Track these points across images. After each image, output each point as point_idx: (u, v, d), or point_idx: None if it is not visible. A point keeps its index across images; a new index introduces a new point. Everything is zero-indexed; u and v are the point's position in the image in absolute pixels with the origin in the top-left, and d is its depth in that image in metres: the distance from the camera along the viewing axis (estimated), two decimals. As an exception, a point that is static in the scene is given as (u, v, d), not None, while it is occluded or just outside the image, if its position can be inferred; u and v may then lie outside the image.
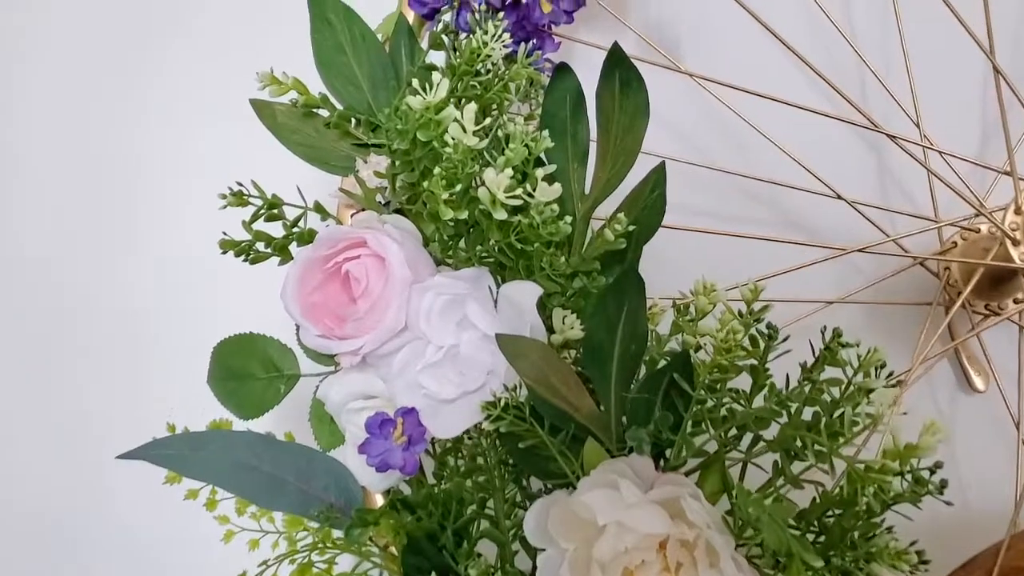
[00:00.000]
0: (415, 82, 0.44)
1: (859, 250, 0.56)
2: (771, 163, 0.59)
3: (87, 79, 0.75)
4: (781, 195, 0.63)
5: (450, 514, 0.44)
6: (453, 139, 0.43)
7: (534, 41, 0.53)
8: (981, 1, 0.53)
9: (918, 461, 0.37)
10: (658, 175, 0.46)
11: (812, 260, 0.57)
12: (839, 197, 0.57)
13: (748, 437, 0.42)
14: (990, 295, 0.61)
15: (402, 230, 0.46)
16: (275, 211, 0.49)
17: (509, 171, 0.41)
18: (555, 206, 0.43)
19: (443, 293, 0.44)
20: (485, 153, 0.44)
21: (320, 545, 0.46)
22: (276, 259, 0.49)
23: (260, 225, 0.49)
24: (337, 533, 0.46)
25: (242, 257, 0.49)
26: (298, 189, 0.49)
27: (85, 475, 0.68)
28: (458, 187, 0.43)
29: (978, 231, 0.61)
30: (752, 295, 0.41)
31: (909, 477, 0.37)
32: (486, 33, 0.48)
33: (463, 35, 0.53)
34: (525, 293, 0.44)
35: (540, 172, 0.43)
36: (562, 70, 0.48)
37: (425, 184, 0.45)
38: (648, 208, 0.46)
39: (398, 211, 0.49)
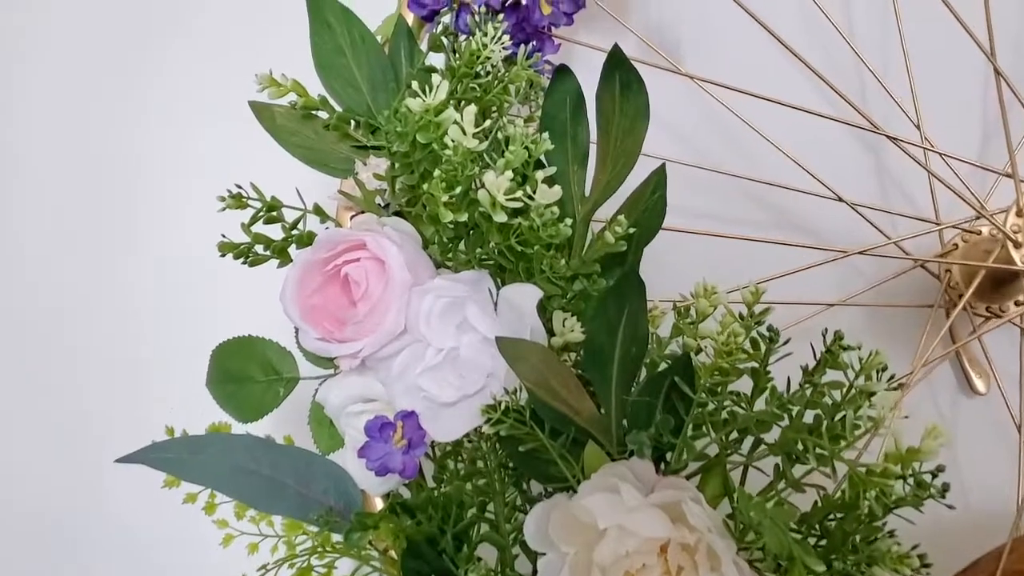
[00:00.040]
0: (415, 84, 0.44)
1: (860, 252, 0.56)
2: (771, 165, 0.58)
3: (87, 79, 0.75)
4: (781, 197, 0.63)
5: (450, 518, 0.44)
6: (453, 141, 0.43)
7: (534, 43, 0.53)
8: (981, 2, 0.53)
9: (920, 465, 0.37)
10: (659, 177, 0.46)
11: (813, 263, 0.57)
12: (840, 199, 0.57)
13: (749, 440, 0.42)
14: (991, 297, 0.61)
15: (402, 232, 0.46)
16: (274, 213, 0.49)
17: (509, 173, 0.41)
18: (555, 208, 0.43)
19: (443, 296, 0.44)
20: (485, 155, 0.44)
21: (319, 549, 0.46)
22: (275, 261, 0.49)
23: (259, 227, 0.49)
24: (336, 537, 0.46)
25: (241, 260, 0.49)
26: (297, 192, 0.49)
27: (85, 475, 0.68)
28: (458, 189, 0.43)
29: (979, 233, 0.61)
30: (753, 298, 0.41)
31: (911, 481, 0.37)
32: (486, 35, 0.47)
33: (463, 37, 0.52)
34: (525, 296, 0.44)
35: (540, 174, 0.43)
36: (562, 72, 0.48)
37: (425, 186, 0.45)
38: (649, 210, 0.46)
39: (398, 213, 0.49)
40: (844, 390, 0.39)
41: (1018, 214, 0.55)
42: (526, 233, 0.43)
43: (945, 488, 0.37)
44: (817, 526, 0.41)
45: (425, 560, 0.44)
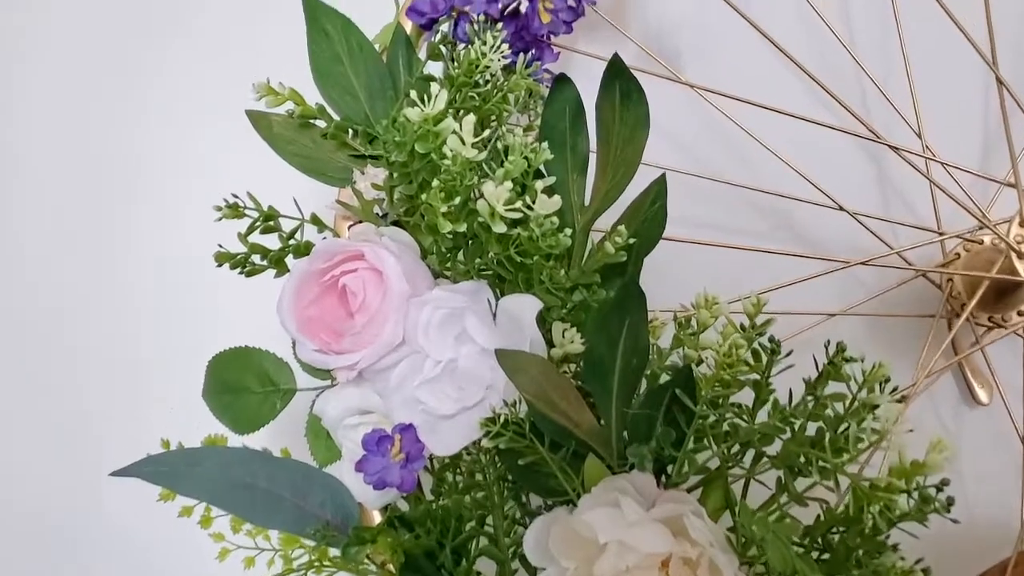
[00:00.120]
0: (413, 94, 0.43)
1: (863, 263, 0.56)
2: (772, 174, 0.58)
3: (87, 79, 0.75)
4: (783, 206, 0.63)
5: (448, 531, 0.44)
6: (451, 151, 0.42)
7: (533, 51, 0.53)
8: (983, 10, 0.53)
9: (924, 478, 0.37)
10: (659, 187, 0.45)
11: (815, 273, 0.57)
12: (840, 208, 0.57)
13: (751, 453, 0.42)
14: (994, 307, 0.60)
15: (400, 243, 0.46)
16: (271, 223, 0.48)
17: (508, 184, 0.41)
18: (555, 218, 0.42)
19: (441, 307, 0.44)
20: (484, 165, 0.44)
21: (316, 563, 0.45)
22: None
23: (256, 237, 0.48)
24: (334, 551, 0.45)
25: (238, 270, 0.48)
26: (295, 201, 0.49)
27: (85, 475, 0.68)
28: (457, 199, 0.43)
29: (981, 243, 0.61)
30: (755, 309, 0.41)
31: (915, 495, 0.37)
32: (484, 44, 0.47)
33: (461, 46, 0.52)
34: (524, 307, 0.44)
35: (539, 184, 0.43)
36: (561, 81, 0.48)
37: (423, 196, 0.44)
38: (649, 220, 0.46)
39: (396, 223, 0.48)
40: (847, 402, 0.39)
41: (1021, 224, 0.55)
42: (525, 243, 0.43)
43: (950, 502, 0.36)
44: (820, 540, 0.40)
45: (423, 574, 0.44)
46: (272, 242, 0.49)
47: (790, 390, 0.41)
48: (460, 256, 0.46)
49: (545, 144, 0.43)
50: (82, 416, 0.70)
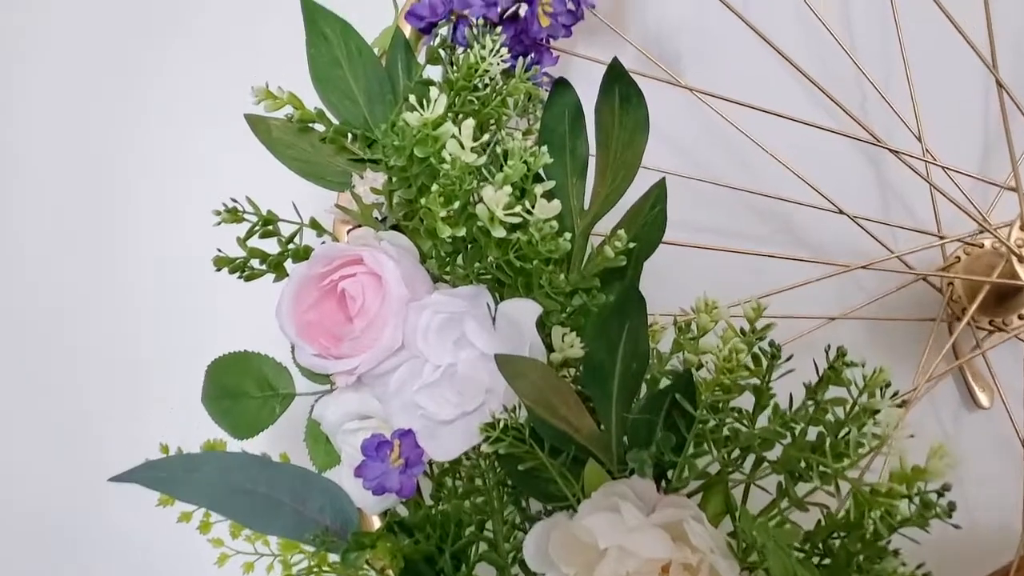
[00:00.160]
0: (412, 98, 0.43)
1: (863, 267, 0.56)
2: (772, 177, 0.58)
3: (87, 79, 0.75)
4: (782, 209, 0.63)
5: (448, 536, 0.44)
6: (451, 155, 0.42)
7: (532, 55, 0.53)
8: (983, 14, 0.53)
9: (925, 484, 0.36)
10: (659, 191, 0.45)
11: (815, 277, 0.56)
12: (841, 212, 0.57)
13: (751, 458, 0.42)
14: (995, 311, 0.60)
15: (399, 247, 0.46)
16: (270, 227, 0.48)
17: (508, 188, 0.41)
18: (554, 223, 0.42)
19: (440, 311, 0.43)
20: (483, 169, 0.44)
21: (316, 569, 0.45)
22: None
23: (255, 241, 0.48)
24: (333, 556, 0.45)
25: (237, 274, 0.48)
26: (294, 205, 0.49)
27: (85, 475, 0.68)
28: (456, 204, 0.43)
29: (982, 246, 0.61)
30: (755, 313, 0.41)
31: (916, 500, 0.36)
32: (484, 48, 0.47)
33: (460, 49, 0.52)
34: (524, 311, 0.44)
35: (539, 189, 0.42)
36: (561, 85, 0.48)
37: (423, 201, 0.44)
38: (648, 224, 0.46)
39: (395, 227, 0.48)
40: (847, 407, 0.39)
41: (1022, 228, 0.55)
42: (525, 248, 0.43)
43: (951, 507, 0.36)
44: (821, 545, 0.40)
45: (423, 580, 0.44)
46: (271, 246, 0.49)
47: (790, 394, 0.41)
48: (459, 260, 0.46)
49: (544, 148, 0.43)
50: (82, 416, 0.69)
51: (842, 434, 0.38)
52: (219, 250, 0.48)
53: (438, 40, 0.53)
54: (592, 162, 0.47)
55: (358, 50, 0.51)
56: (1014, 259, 0.54)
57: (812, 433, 0.40)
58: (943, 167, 0.58)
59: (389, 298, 0.43)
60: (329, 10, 0.51)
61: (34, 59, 0.75)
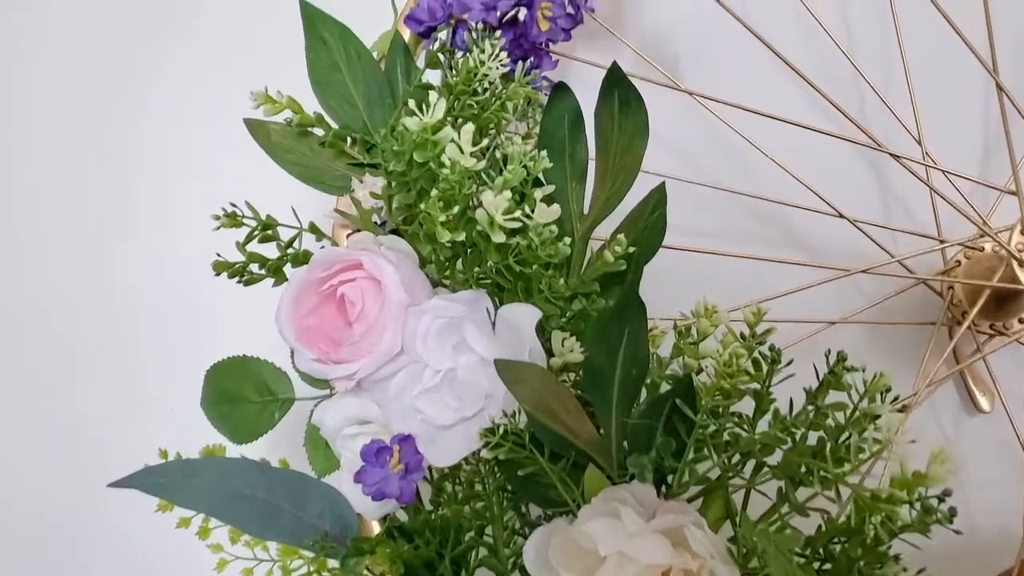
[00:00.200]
0: (411, 103, 0.43)
1: (863, 271, 0.56)
2: (772, 181, 0.58)
3: (87, 79, 0.75)
4: (782, 213, 0.63)
5: (448, 542, 0.43)
6: (450, 160, 0.42)
7: (531, 59, 0.53)
8: (982, 17, 0.53)
9: (926, 489, 0.36)
10: (658, 196, 0.45)
11: (815, 281, 0.56)
12: (840, 215, 0.57)
13: (751, 463, 0.42)
14: (995, 315, 0.60)
15: (398, 251, 0.46)
16: (269, 232, 0.48)
17: (507, 193, 0.41)
18: (554, 227, 0.42)
19: (440, 316, 0.43)
20: (482, 173, 0.43)
21: (315, 575, 0.45)
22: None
23: (254, 246, 0.48)
24: (332, 562, 0.45)
25: (236, 279, 0.48)
26: (293, 210, 0.48)
27: (85, 475, 0.68)
28: (455, 208, 0.43)
29: (982, 249, 0.61)
30: (755, 318, 0.41)
31: (917, 506, 0.36)
32: (483, 52, 0.47)
33: (459, 54, 0.52)
34: (524, 316, 0.43)
35: (539, 193, 0.42)
36: (560, 89, 0.48)
37: (422, 206, 0.44)
38: (648, 229, 0.46)
39: (394, 231, 0.48)
40: (848, 412, 0.38)
41: (1023, 232, 0.55)
42: (524, 252, 0.43)
43: (952, 513, 0.36)
44: (821, 551, 0.40)
45: (422, 585, 0.43)
46: (270, 251, 0.48)
47: (791, 399, 0.40)
48: (459, 265, 0.46)
49: (544, 152, 0.43)
50: (82, 416, 0.70)
51: (843, 439, 0.38)
52: (218, 254, 0.48)
53: (437, 44, 0.53)
54: (592, 166, 0.47)
55: (357, 54, 0.51)
56: (1014, 263, 0.54)
57: (812, 438, 0.40)
58: (943, 171, 0.58)
59: (388, 303, 0.43)
60: (328, 14, 0.51)
61: (34, 59, 0.75)
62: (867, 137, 0.55)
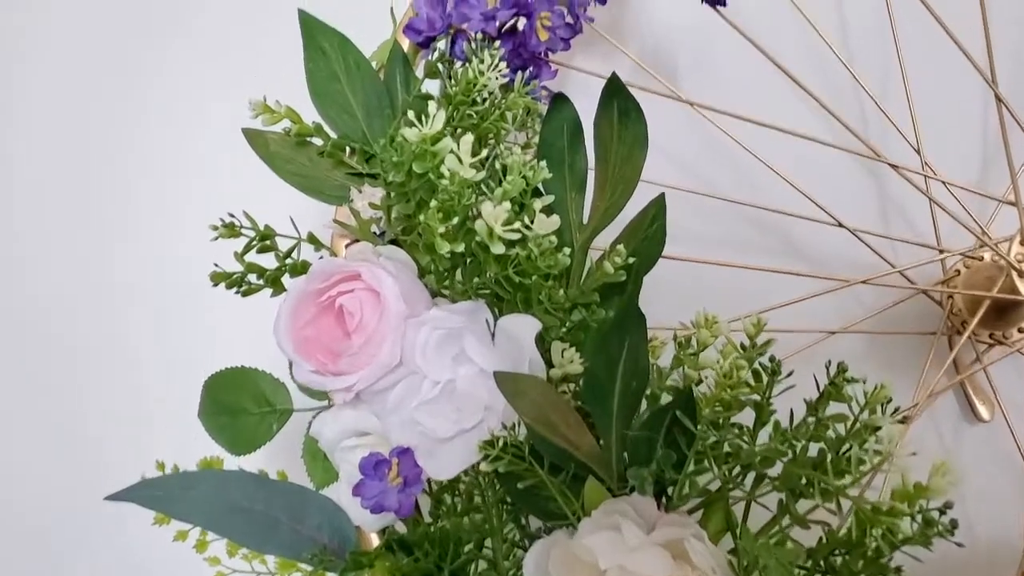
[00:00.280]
0: (411, 113, 0.43)
1: (862, 282, 0.55)
2: (771, 190, 0.58)
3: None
4: (781, 221, 0.63)
5: (447, 554, 0.43)
6: (449, 170, 0.42)
7: (531, 69, 0.53)
8: (981, 28, 0.53)
9: (927, 501, 0.36)
10: (658, 207, 0.45)
11: (814, 292, 0.56)
12: (840, 225, 0.56)
13: (751, 475, 0.41)
14: (995, 324, 0.60)
15: (397, 262, 0.46)
16: (267, 242, 0.48)
17: (507, 204, 0.41)
18: (553, 237, 0.42)
19: (439, 327, 0.43)
20: (482, 184, 0.43)
21: (313, 587, 0.45)
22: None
23: (252, 256, 0.48)
24: (331, 575, 0.45)
25: (234, 289, 0.48)
26: (292, 220, 0.48)
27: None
28: (455, 219, 0.43)
29: (981, 259, 0.61)
30: (755, 329, 0.41)
31: (919, 518, 0.36)
32: (482, 62, 0.47)
33: (459, 63, 0.52)
34: (523, 327, 0.43)
35: (538, 203, 0.42)
36: (560, 100, 0.48)
37: (421, 217, 0.44)
38: (648, 239, 0.46)
39: (393, 241, 0.48)
40: (848, 424, 0.38)
41: (1022, 242, 0.55)
42: (524, 263, 0.42)
43: (953, 525, 0.36)
44: (822, 563, 0.40)
45: (422, 598, 0.43)
46: (269, 261, 0.48)
47: (791, 410, 0.40)
48: (458, 275, 0.46)
49: (543, 163, 0.43)
50: (82, 416, 0.69)
51: (843, 451, 0.38)
52: (216, 265, 0.47)
53: (436, 54, 0.53)
54: (591, 176, 0.47)
55: (356, 64, 0.51)
56: (1014, 274, 0.54)
57: (813, 450, 0.39)
58: (943, 182, 0.58)
59: (387, 314, 0.43)
60: (327, 24, 0.51)
61: (34, 59, 0.75)
62: (867, 148, 0.55)
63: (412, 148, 0.43)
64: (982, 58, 0.53)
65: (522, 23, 0.53)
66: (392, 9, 0.56)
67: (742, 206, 0.60)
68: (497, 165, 0.44)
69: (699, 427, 0.40)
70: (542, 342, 0.44)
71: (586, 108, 0.47)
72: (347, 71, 0.51)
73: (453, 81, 0.48)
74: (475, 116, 0.48)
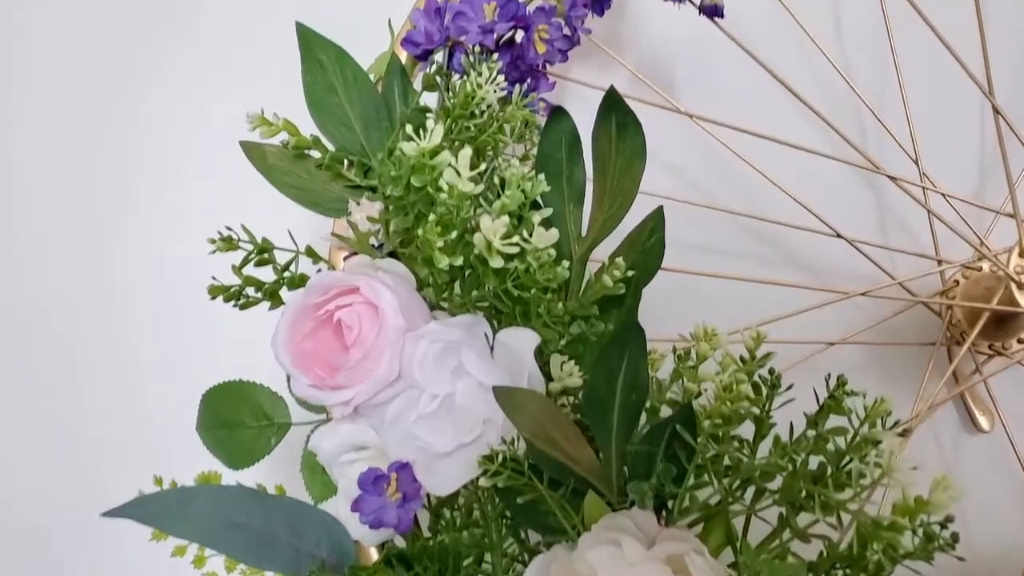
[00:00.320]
0: (409, 128, 0.43)
1: (861, 294, 0.55)
2: (770, 201, 0.58)
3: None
4: (779, 233, 0.63)
5: (447, 569, 0.43)
6: (448, 184, 0.42)
7: (529, 81, 0.53)
8: (978, 39, 0.53)
9: (928, 515, 0.36)
10: (656, 219, 0.45)
11: (814, 304, 0.56)
12: (838, 235, 0.56)
13: (752, 488, 0.41)
14: (994, 335, 0.60)
15: (395, 275, 0.45)
16: (265, 255, 0.48)
17: (505, 218, 0.41)
18: (552, 250, 0.42)
19: (437, 341, 0.43)
20: (480, 197, 0.43)
21: (312, 602, 0.44)
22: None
23: (250, 269, 0.48)
24: (329, 590, 0.45)
25: (232, 302, 0.48)
26: (289, 233, 0.48)
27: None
28: (453, 233, 0.42)
29: (980, 269, 0.61)
30: (755, 343, 0.40)
31: (920, 532, 0.36)
32: (480, 75, 0.47)
33: (457, 76, 0.52)
34: (522, 340, 0.43)
35: (537, 216, 0.42)
36: (558, 112, 0.48)
37: (420, 230, 0.44)
38: (646, 252, 0.46)
39: (392, 254, 0.48)
40: (849, 437, 0.38)
41: (1021, 254, 0.55)
42: (523, 276, 0.42)
43: (955, 539, 0.36)
44: (823, 576, 0.40)
45: (421, 613, 0.43)
46: (267, 274, 0.48)
47: (791, 423, 0.40)
48: (457, 288, 0.46)
49: (542, 176, 0.43)
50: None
51: (844, 464, 0.38)
52: (214, 278, 0.47)
53: (434, 67, 0.53)
54: (589, 188, 0.47)
55: (354, 76, 0.51)
56: (1013, 286, 0.54)
57: (813, 463, 0.39)
58: (943, 194, 0.58)
59: (386, 328, 0.43)
60: (324, 37, 0.51)
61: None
62: (865, 159, 0.55)
63: (410, 162, 0.43)
64: (979, 70, 0.53)
65: (520, 35, 0.53)
66: (390, 21, 0.56)
67: (740, 217, 0.60)
68: (495, 178, 0.44)
69: (699, 440, 0.40)
70: (541, 355, 0.44)
71: (584, 119, 0.47)
72: (345, 83, 0.51)
73: (451, 94, 0.48)
74: (473, 129, 0.48)
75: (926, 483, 0.36)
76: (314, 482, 0.48)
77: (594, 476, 0.41)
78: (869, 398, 0.38)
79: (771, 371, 0.40)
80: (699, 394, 0.42)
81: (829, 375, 0.39)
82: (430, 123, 0.43)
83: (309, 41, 0.50)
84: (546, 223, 0.42)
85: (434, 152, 0.43)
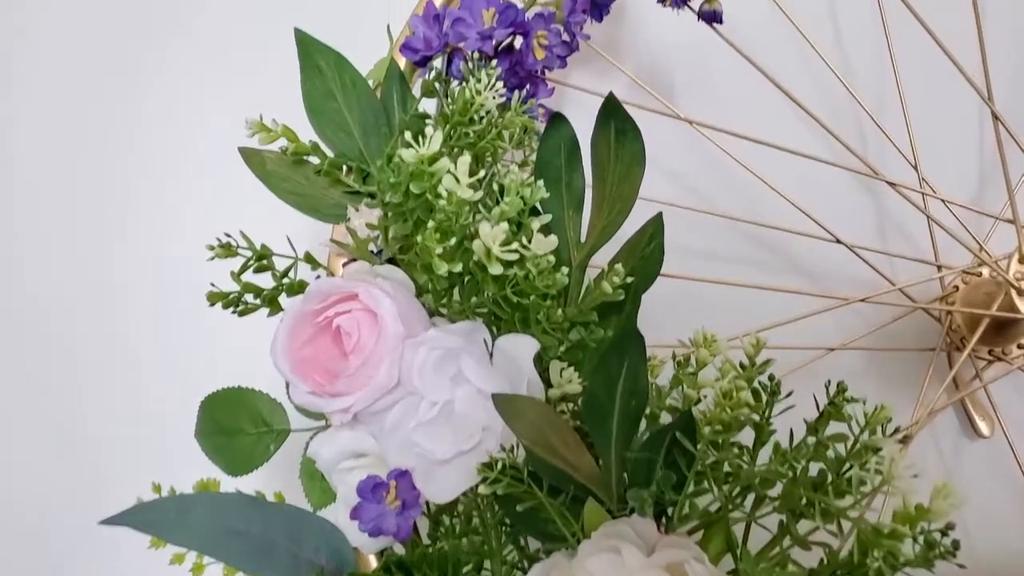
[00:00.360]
0: (407, 134, 0.43)
1: (861, 300, 0.55)
2: (769, 207, 0.58)
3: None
4: (779, 238, 0.63)
5: (446, 576, 0.43)
6: (447, 190, 0.42)
7: (528, 88, 0.53)
8: (977, 45, 0.53)
9: (929, 523, 0.36)
10: (655, 225, 0.45)
11: (814, 310, 0.56)
12: (838, 241, 0.56)
13: (752, 495, 0.41)
14: (994, 340, 0.60)
15: (394, 282, 0.45)
16: (264, 262, 0.48)
17: (504, 225, 0.40)
18: (551, 257, 0.42)
19: (436, 347, 0.43)
20: (479, 203, 0.43)
21: (311, 610, 0.44)
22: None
23: (249, 276, 0.48)
24: (329, 597, 0.45)
25: (231, 309, 0.48)
26: (288, 239, 0.48)
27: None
28: (452, 240, 0.42)
29: (980, 275, 0.61)
30: (754, 349, 0.40)
31: (920, 540, 0.36)
32: (479, 82, 0.47)
33: (456, 82, 0.52)
34: (522, 347, 0.43)
35: (536, 223, 0.42)
36: (557, 119, 0.48)
37: (419, 237, 0.44)
38: (646, 258, 0.46)
39: (391, 260, 0.48)
40: (849, 444, 0.38)
41: (1020, 260, 0.55)
42: (522, 283, 0.42)
43: (955, 547, 0.36)
44: (824, 584, 0.40)
45: (420, 621, 0.43)
46: (266, 280, 0.48)
47: (791, 430, 0.40)
48: (456, 295, 0.46)
49: (541, 182, 0.43)
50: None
51: (844, 471, 0.38)
52: (212, 284, 0.47)
53: (433, 73, 0.53)
54: (588, 194, 0.47)
55: (352, 83, 0.51)
56: (1013, 292, 0.54)
57: (813, 470, 0.39)
58: (942, 200, 0.58)
59: (385, 335, 0.43)
60: (323, 43, 0.50)
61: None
62: (864, 165, 0.55)
63: (409, 168, 0.43)
64: (978, 75, 0.53)
65: (519, 42, 0.53)
66: (389, 28, 0.56)
67: (740, 223, 0.60)
68: (494, 184, 0.44)
69: (699, 447, 0.39)
70: (540, 362, 0.44)
71: (583, 125, 0.47)
72: (343, 89, 0.51)
73: (450, 100, 0.48)
74: (472, 135, 0.48)
75: (926, 489, 0.36)
76: (313, 489, 0.48)
77: (594, 483, 0.41)
78: (869, 404, 0.38)
79: (771, 377, 0.40)
80: (699, 400, 0.42)
81: (829, 381, 0.39)
82: (429, 129, 0.43)
83: (308, 47, 0.50)
84: (545, 229, 0.42)
85: (433, 158, 0.43)
